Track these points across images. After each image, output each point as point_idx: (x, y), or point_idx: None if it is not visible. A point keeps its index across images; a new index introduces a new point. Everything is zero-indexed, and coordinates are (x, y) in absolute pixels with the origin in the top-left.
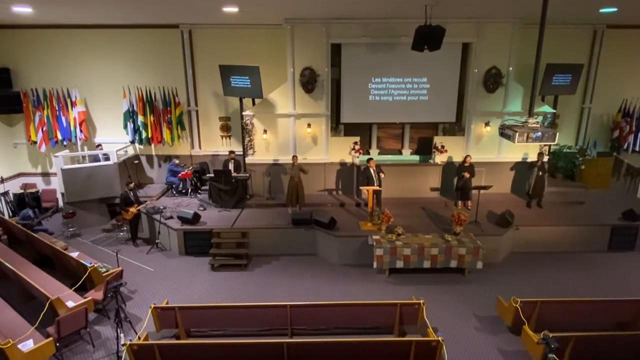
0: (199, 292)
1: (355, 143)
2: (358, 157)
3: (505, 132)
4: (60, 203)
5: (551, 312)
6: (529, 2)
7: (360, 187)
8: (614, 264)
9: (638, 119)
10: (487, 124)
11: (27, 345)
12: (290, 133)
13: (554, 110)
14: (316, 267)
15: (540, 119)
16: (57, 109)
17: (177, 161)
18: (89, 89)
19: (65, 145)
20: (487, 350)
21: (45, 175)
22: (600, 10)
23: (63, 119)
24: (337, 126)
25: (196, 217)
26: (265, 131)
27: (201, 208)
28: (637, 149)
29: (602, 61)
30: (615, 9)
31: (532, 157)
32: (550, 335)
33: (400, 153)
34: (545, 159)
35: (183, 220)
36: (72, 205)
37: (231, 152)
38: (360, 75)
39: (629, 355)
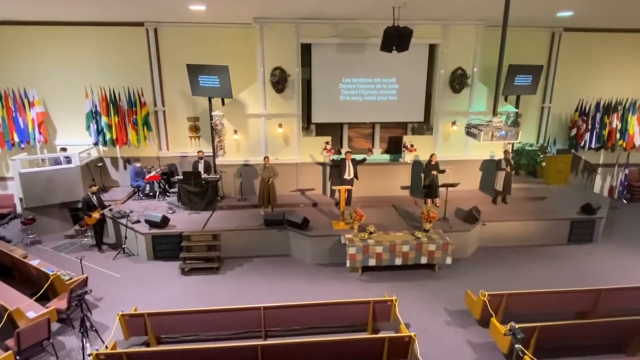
0: (169, 297)
1: (327, 143)
2: (329, 157)
3: (471, 131)
4: (19, 209)
5: (517, 304)
6: (491, 6)
7: (333, 187)
8: (574, 256)
9: (593, 118)
10: (453, 123)
11: None
12: (261, 133)
13: (517, 110)
14: (289, 267)
15: (503, 118)
16: (13, 109)
17: (138, 164)
18: (49, 88)
19: (23, 148)
20: (458, 343)
21: (2, 179)
22: (557, 14)
23: (20, 120)
24: (309, 126)
25: (165, 221)
26: (235, 131)
27: (170, 211)
28: (592, 146)
29: (560, 62)
30: (571, 13)
31: (499, 155)
32: (517, 326)
33: (371, 152)
34: (510, 156)
35: (151, 224)
36: (31, 210)
37: (200, 151)
38: (330, 76)
39: (588, 342)
